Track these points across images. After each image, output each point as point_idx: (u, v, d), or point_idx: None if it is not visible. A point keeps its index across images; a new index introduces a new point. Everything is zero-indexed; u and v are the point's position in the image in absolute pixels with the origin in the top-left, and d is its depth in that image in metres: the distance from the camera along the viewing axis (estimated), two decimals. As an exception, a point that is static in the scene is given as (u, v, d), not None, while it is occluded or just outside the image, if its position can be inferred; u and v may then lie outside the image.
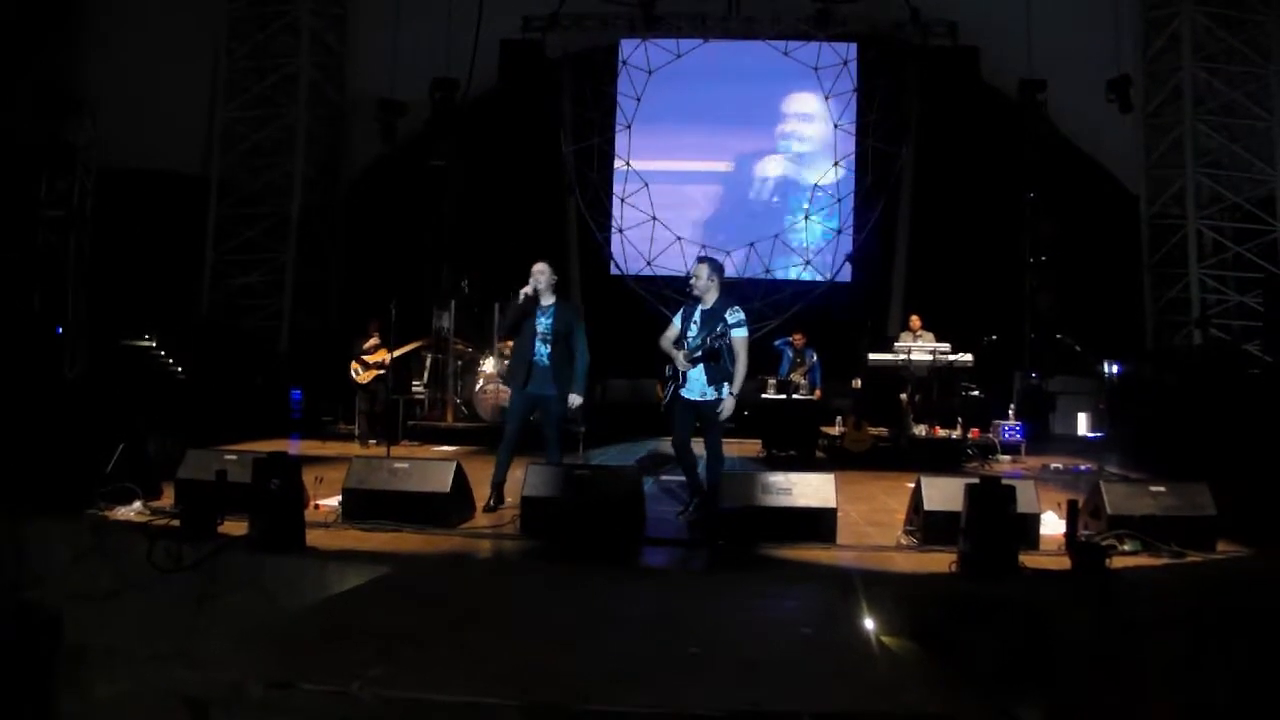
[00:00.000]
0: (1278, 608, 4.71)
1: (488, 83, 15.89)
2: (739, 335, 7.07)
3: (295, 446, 11.88)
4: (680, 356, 7.14)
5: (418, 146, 15.88)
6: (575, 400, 7.55)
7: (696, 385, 7.12)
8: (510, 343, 8.31)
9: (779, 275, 17.08)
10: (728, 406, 7.10)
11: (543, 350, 7.46)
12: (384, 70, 15.85)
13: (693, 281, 7.28)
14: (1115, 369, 14.65)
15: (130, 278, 14.19)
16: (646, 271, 16.95)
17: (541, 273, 7.54)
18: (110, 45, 14.47)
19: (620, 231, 17.37)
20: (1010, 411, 12.75)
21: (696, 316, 7.24)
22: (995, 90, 16.17)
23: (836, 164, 17.03)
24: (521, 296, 7.53)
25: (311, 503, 6.80)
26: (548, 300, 7.57)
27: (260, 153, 16.63)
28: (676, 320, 7.40)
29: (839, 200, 17.09)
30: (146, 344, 14.29)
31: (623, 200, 17.43)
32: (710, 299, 7.23)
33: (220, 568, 5.65)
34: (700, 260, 7.38)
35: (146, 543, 5.79)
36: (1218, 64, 15.14)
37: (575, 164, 17.11)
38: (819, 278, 17.03)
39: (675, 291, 16.41)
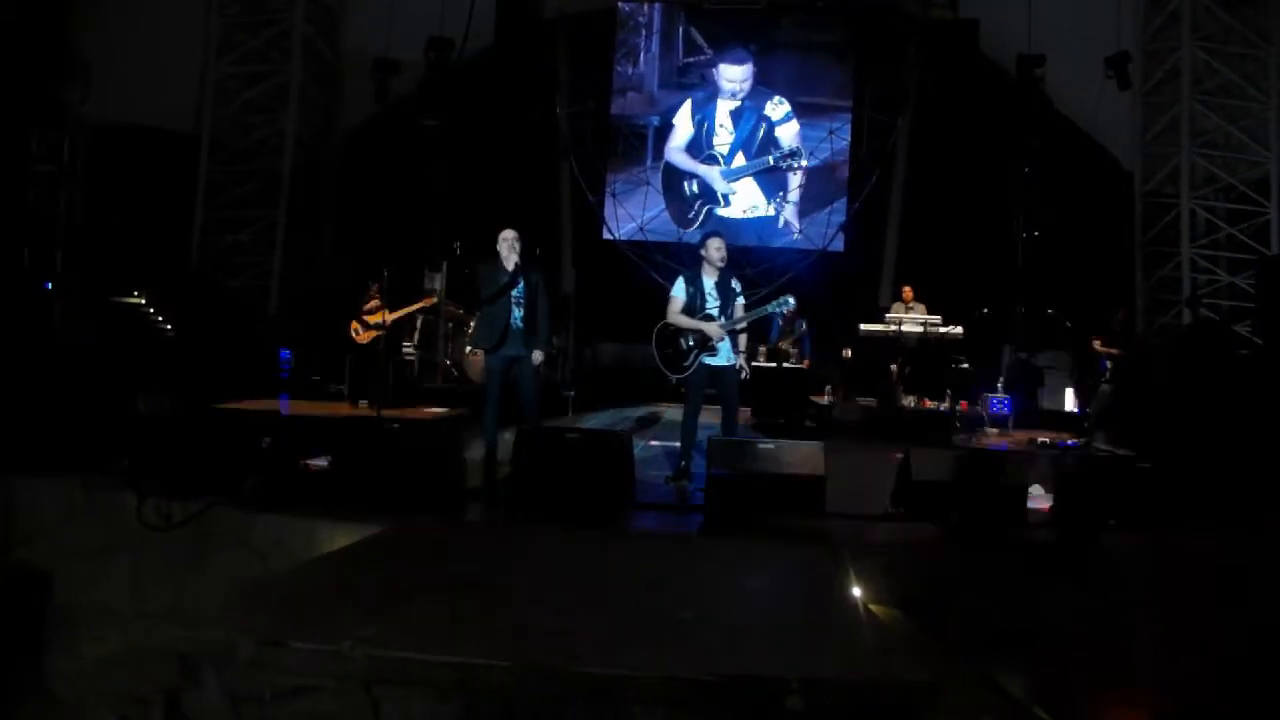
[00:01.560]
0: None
1: (484, 42, 15.78)
2: (741, 303, 7.52)
3: (285, 406, 11.86)
4: (715, 326, 7.39)
5: (411, 106, 15.77)
6: (539, 357, 7.90)
7: (724, 352, 7.46)
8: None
9: (770, 244, 17.06)
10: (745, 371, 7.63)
11: (517, 314, 7.73)
12: (379, 28, 15.71)
13: (715, 253, 7.55)
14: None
15: (120, 234, 14.10)
16: (639, 237, 16.92)
17: (513, 240, 7.82)
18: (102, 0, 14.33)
19: (613, 195, 17.31)
20: (999, 385, 12.80)
21: (710, 288, 7.54)
22: (994, 64, 16.12)
23: (831, 133, 16.97)
24: (513, 266, 7.71)
25: (300, 461, 6.80)
26: (512, 264, 7.76)
27: (252, 110, 16.48)
28: (680, 293, 7.58)
29: (834, 169, 17.06)
30: (135, 301, 14.21)
31: (616, 164, 17.36)
32: (718, 270, 7.56)
33: (210, 526, 5.67)
34: (716, 234, 7.73)
35: (136, 500, 5.80)
36: (1216, 44, 15.10)
37: (570, 126, 17.02)
38: (811, 247, 17.01)
39: (666, 257, 16.43)
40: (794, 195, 17.05)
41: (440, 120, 15.38)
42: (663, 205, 17.25)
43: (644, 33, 17.28)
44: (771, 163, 16.82)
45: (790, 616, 4.18)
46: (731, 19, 17.07)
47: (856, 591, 4.40)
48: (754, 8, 16.92)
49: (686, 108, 17.24)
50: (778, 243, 17.07)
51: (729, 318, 7.45)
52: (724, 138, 17.11)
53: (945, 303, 12.74)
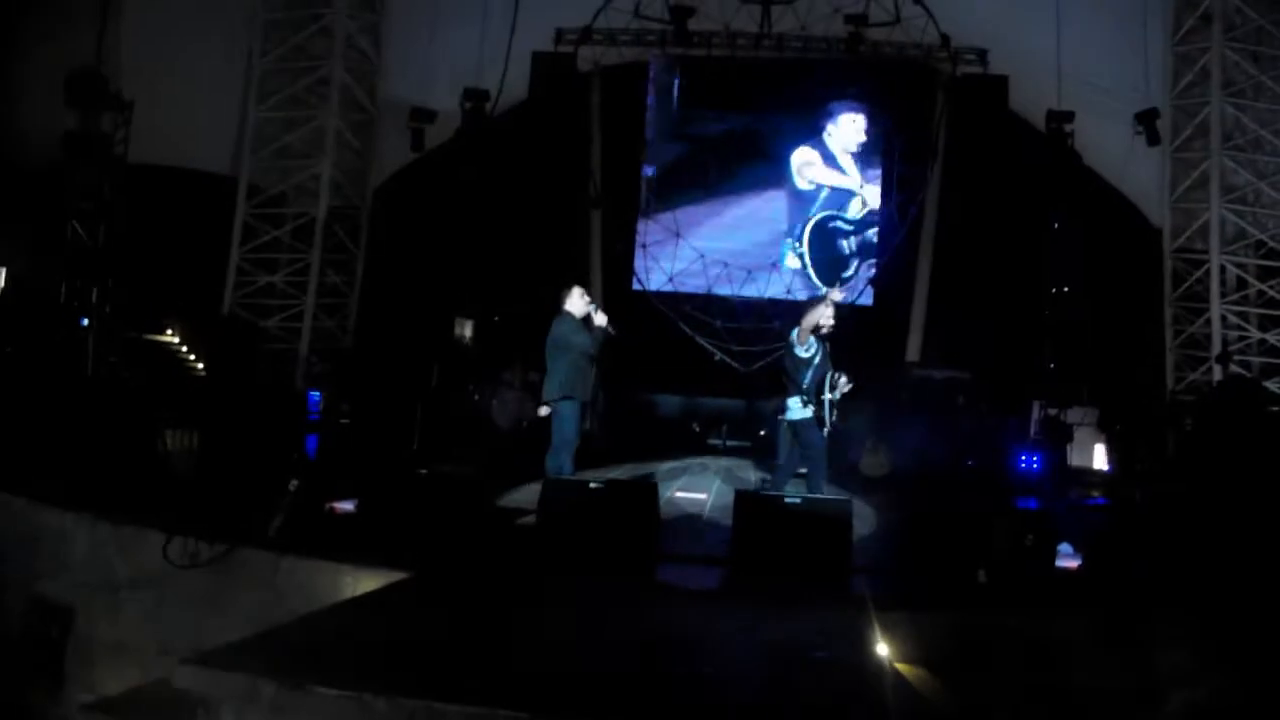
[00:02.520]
0: None
1: (519, 94, 15.91)
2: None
3: (312, 447, 11.91)
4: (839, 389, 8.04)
5: (446, 155, 15.92)
6: (545, 410, 8.13)
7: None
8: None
9: (799, 296, 17.02)
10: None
11: (590, 366, 8.10)
12: (416, 78, 15.94)
13: (828, 322, 8.25)
14: (1134, 403, 14.61)
15: (155, 273, 14.28)
16: (668, 288, 16.94)
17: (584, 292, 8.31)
18: (146, 41, 14.59)
19: (644, 247, 17.37)
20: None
21: (820, 353, 8.22)
22: (1023, 119, 16.14)
23: (862, 187, 17.01)
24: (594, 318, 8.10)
25: (327, 505, 6.82)
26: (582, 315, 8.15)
27: (289, 154, 16.70)
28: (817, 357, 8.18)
29: (863, 225, 17.07)
30: (168, 339, 14.36)
31: (647, 217, 17.44)
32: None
33: (236, 566, 5.68)
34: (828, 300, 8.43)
35: (163, 538, 5.83)
36: (1246, 100, 15.12)
37: (602, 178, 17.14)
38: (840, 301, 16.98)
39: (695, 309, 16.45)
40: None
41: (474, 169, 15.52)
42: (693, 256, 17.30)
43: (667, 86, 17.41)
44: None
45: (816, 675, 4.15)
46: (759, 73, 17.17)
47: (884, 650, 4.36)
48: (783, 59, 17.00)
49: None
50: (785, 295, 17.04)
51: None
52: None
53: (972, 358, 12.70)
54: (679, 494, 9.92)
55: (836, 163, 17.20)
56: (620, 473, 11.46)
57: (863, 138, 17.10)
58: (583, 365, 7.96)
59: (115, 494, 6.79)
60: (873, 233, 17.03)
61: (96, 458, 7.24)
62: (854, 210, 17.07)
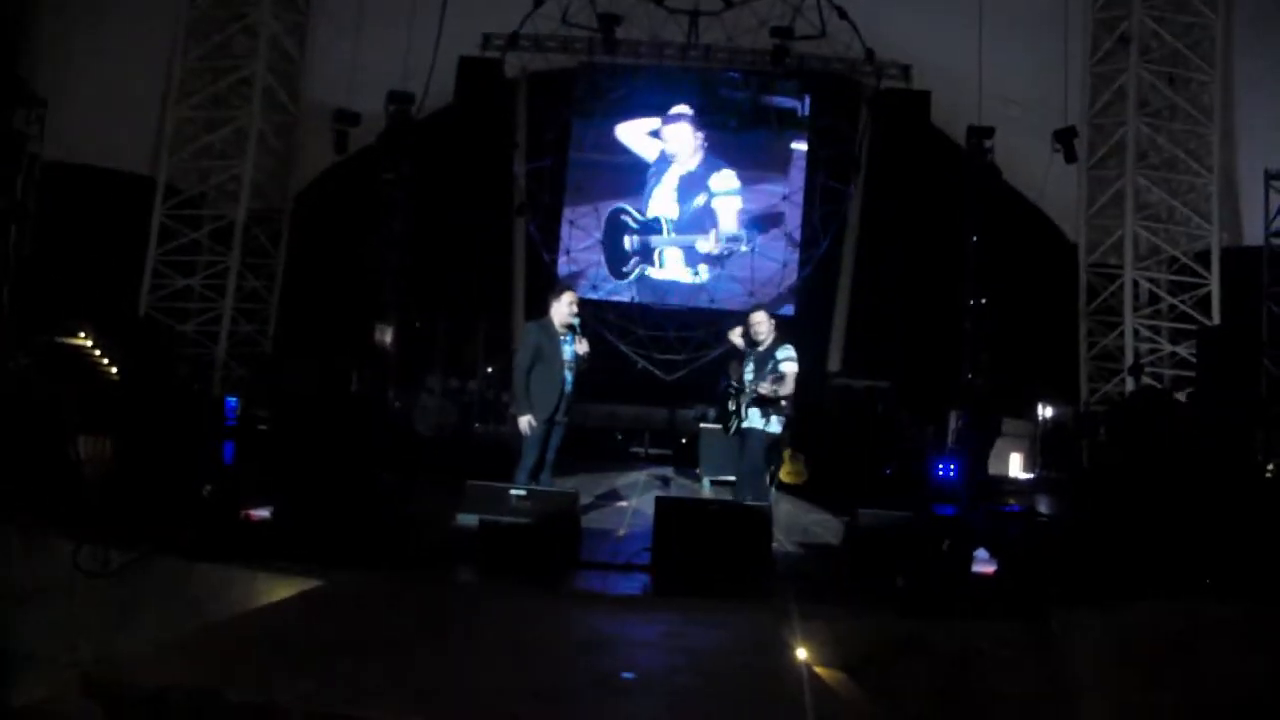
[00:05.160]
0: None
1: (444, 98, 15.83)
2: (789, 368, 7.69)
3: (229, 453, 11.69)
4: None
5: (370, 158, 15.77)
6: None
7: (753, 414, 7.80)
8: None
9: (722, 306, 17.11)
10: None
11: (569, 378, 7.63)
12: (340, 80, 15.76)
13: (754, 329, 7.98)
14: (1050, 412, 14.92)
15: (69, 274, 13.93)
16: (593, 296, 16.93)
17: (573, 301, 7.76)
18: (64, 38, 14.28)
19: (568, 254, 17.35)
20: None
21: (752, 360, 7.94)
22: (944, 135, 16.44)
23: (785, 198, 17.15)
24: (573, 328, 7.75)
25: (242, 512, 6.70)
26: (565, 326, 7.70)
27: (209, 155, 16.44)
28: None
29: (785, 234, 17.20)
30: (81, 342, 13.99)
31: (572, 224, 17.42)
32: (767, 343, 7.89)
33: (149, 573, 5.55)
34: (757, 308, 8.21)
35: (73, 545, 5.67)
36: (1162, 120, 15.58)
37: (527, 185, 17.09)
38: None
39: (619, 317, 16.47)
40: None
41: (398, 173, 15.39)
42: (600, 254, 17.29)
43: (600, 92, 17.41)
44: (714, 245, 16.86)
45: (735, 679, 4.16)
46: (684, 83, 17.26)
47: (803, 654, 4.39)
48: (711, 67, 17.12)
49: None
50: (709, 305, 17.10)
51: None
52: (667, 201, 17.21)
53: (893, 367, 12.88)
54: (601, 501, 9.91)
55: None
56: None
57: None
58: (545, 378, 7.54)
59: (24, 500, 6.61)
60: (655, 239, 17.20)
61: (3, 463, 7.03)
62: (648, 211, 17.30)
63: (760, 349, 7.89)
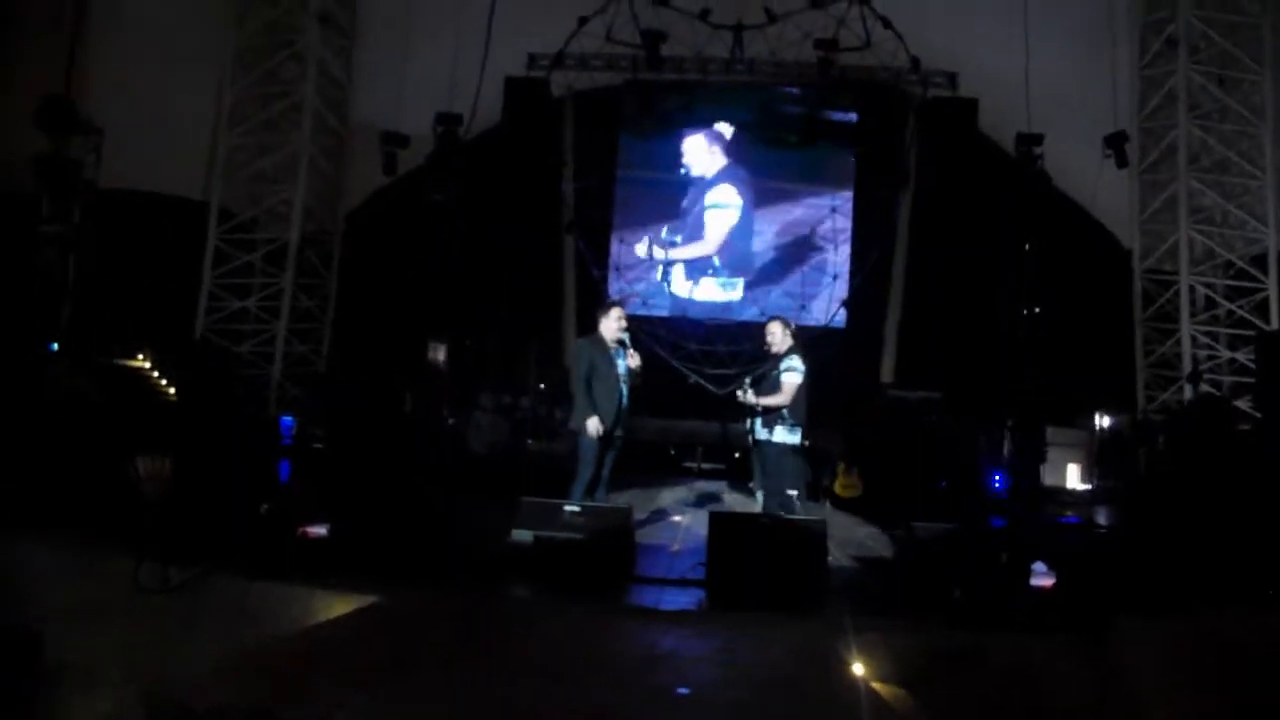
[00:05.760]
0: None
1: (491, 118, 15.94)
2: (786, 379, 7.72)
3: (285, 472, 11.83)
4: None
5: (418, 180, 15.90)
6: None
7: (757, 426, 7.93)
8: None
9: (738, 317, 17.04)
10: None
11: (624, 391, 7.71)
12: (388, 102, 15.95)
13: (768, 338, 8.16)
14: (1106, 421, 14.70)
15: (126, 298, 14.19)
16: (642, 311, 16.93)
17: (621, 315, 7.90)
18: (117, 67, 14.60)
19: (618, 270, 17.38)
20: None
21: (765, 371, 8.13)
22: (992, 142, 16.28)
23: (834, 210, 17.08)
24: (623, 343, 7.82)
25: (299, 530, 6.77)
26: (615, 341, 7.77)
27: (261, 179, 16.70)
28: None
29: (836, 246, 17.12)
30: (139, 364, 14.24)
31: (621, 241, 17.45)
32: (781, 353, 7.99)
33: (206, 591, 5.62)
34: (773, 319, 8.40)
35: (133, 563, 5.76)
36: (1213, 122, 15.35)
37: (575, 203, 17.15)
38: (814, 322, 17.01)
39: (669, 331, 16.45)
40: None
41: (447, 194, 15.50)
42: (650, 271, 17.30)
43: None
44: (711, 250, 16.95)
45: (790, 694, 4.13)
46: (732, 98, 17.26)
47: (859, 669, 4.35)
48: (756, 81, 17.10)
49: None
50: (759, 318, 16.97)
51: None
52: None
53: (945, 378, 12.75)
54: (655, 516, 9.90)
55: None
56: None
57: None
58: (601, 393, 7.57)
59: (85, 519, 6.71)
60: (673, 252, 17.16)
61: (66, 483, 7.16)
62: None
63: (772, 360, 8.01)
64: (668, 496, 11.51)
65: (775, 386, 7.72)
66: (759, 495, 8.50)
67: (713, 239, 16.85)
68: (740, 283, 17.04)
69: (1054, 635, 5.38)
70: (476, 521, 7.45)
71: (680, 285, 17.09)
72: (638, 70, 16.65)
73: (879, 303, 17.17)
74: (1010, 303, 15.06)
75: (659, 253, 17.04)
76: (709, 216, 16.89)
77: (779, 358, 7.88)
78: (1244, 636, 5.12)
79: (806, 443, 8.05)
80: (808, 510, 7.90)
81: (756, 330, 15.84)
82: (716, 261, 16.97)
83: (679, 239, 17.05)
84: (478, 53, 12.39)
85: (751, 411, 7.86)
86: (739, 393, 7.86)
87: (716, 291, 17.06)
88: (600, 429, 7.48)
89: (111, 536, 6.25)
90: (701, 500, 11.18)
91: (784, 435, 7.73)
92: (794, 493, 7.82)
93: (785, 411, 7.68)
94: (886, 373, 16.50)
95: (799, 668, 4.53)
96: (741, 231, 17.04)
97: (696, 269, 17.04)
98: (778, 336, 8.02)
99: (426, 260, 15.28)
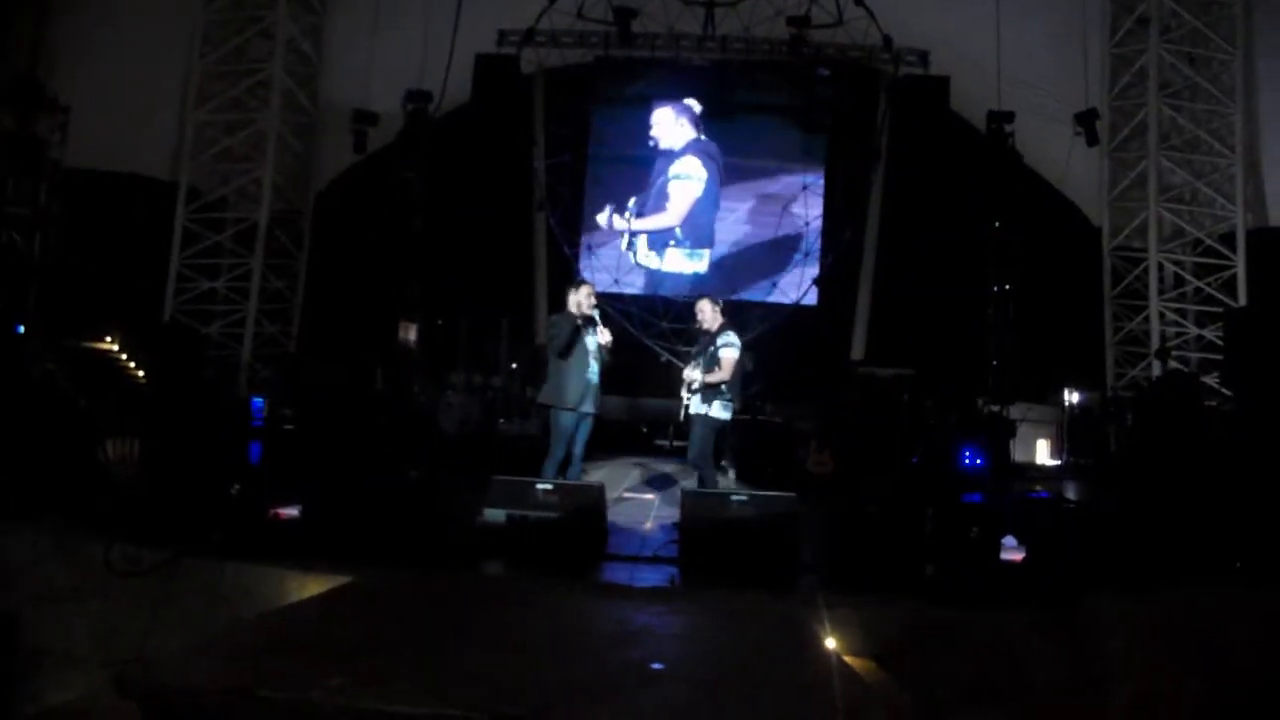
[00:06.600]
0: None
1: (462, 96, 15.85)
2: (725, 354, 7.79)
3: (256, 453, 11.75)
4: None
5: (389, 157, 15.82)
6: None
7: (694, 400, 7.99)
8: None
9: (744, 297, 17.08)
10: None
11: (595, 368, 7.69)
12: (358, 80, 15.84)
13: (699, 316, 8.23)
14: (1076, 398, 14.84)
15: (94, 279, 14.04)
16: (614, 289, 16.93)
17: (592, 292, 7.83)
18: (83, 44, 14.40)
19: (589, 248, 17.36)
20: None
21: (699, 348, 8.19)
22: (964, 120, 16.34)
23: (805, 188, 17.09)
24: (591, 319, 7.74)
25: (270, 511, 6.74)
26: (584, 318, 7.73)
27: (230, 158, 16.57)
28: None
29: (806, 224, 17.14)
30: (107, 346, 14.11)
31: (592, 218, 17.42)
32: (712, 330, 8.04)
33: (180, 573, 5.59)
34: (701, 297, 8.52)
35: (104, 546, 5.72)
36: (1183, 100, 15.47)
37: (546, 180, 17.10)
38: (785, 300, 17.05)
39: (640, 309, 16.46)
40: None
41: (417, 171, 15.42)
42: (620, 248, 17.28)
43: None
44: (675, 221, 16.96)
45: (765, 668, 4.16)
46: (704, 75, 17.20)
47: (832, 644, 4.38)
48: (728, 59, 17.06)
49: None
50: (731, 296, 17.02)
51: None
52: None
53: (916, 355, 12.82)
54: (627, 495, 9.92)
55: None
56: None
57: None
58: (570, 370, 7.58)
59: (55, 502, 6.66)
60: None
61: (35, 466, 7.10)
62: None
63: (706, 337, 8.06)
64: (640, 474, 11.52)
65: (714, 362, 7.79)
66: (730, 474, 8.60)
67: (675, 210, 16.84)
68: (706, 254, 17.04)
69: (1024, 609, 5.44)
70: (449, 501, 7.44)
71: (645, 256, 17.06)
72: (609, 47, 16.59)
73: (850, 280, 17.26)
74: (981, 280, 15.16)
75: (619, 222, 16.99)
76: (672, 188, 16.86)
77: (713, 335, 7.95)
78: (1212, 609, 5.19)
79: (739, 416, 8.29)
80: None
81: (729, 308, 15.94)
82: (679, 233, 16.95)
83: (644, 209, 17.00)
84: (448, 30, 12.32)
85: (688, 387, 7.97)
86: (685, 370, 8.01)
87: (684, 262, 17.06)
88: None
89: (82, 520, 6.20)
90: (673, 478, 11.20)
91: (720, 411, 7.85)
92: (725, 464, 7.99)
93: (723, 387, 7.80)
94: (858, 350, 16.61)
95: (772, 643, 4.55)
96: (705, 204, 17.04)
97: (659, 240, 17.02)
98: (708, 314, 8.11)
99: (397, 239, 15.22)
